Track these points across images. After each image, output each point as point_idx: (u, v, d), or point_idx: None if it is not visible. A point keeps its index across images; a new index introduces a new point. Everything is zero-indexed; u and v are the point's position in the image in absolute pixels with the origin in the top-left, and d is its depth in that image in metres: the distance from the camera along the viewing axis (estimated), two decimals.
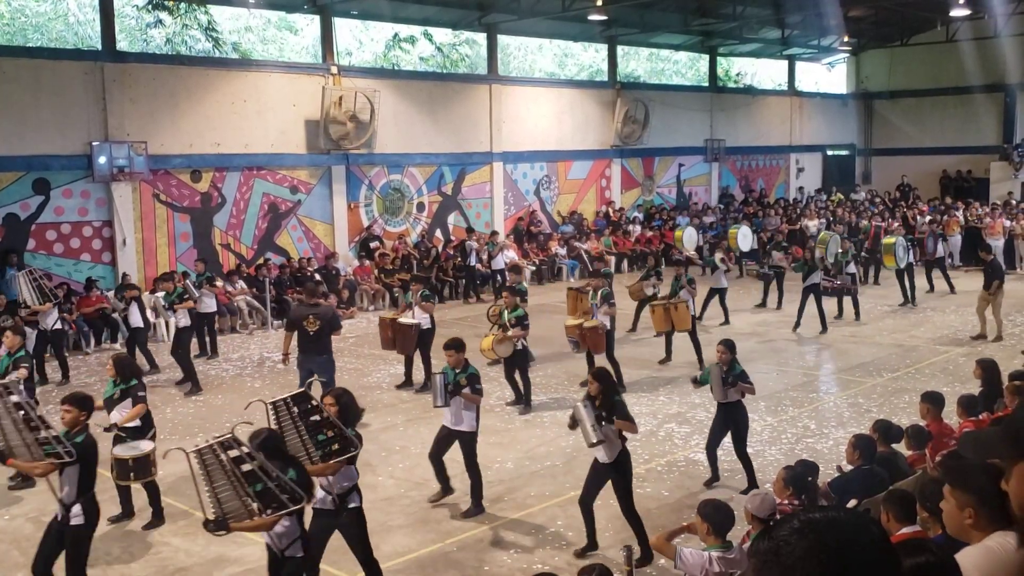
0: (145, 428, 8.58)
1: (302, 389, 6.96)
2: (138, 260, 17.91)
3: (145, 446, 8.22)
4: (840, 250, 18.52)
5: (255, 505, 5.77)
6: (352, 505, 6.79)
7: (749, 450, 9.20)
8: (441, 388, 8.57)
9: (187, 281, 14.80)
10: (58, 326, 14.08)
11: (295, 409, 6.53)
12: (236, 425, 6.40)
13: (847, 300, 17.57)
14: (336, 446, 6.58)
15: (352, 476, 6.82)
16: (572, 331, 13.07)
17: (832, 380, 13.73)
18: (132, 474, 8.11)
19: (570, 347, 13.44)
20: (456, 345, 8.92)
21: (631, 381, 13.17)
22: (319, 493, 6.58)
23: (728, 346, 9.09)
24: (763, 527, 5.53)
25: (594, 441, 7.34)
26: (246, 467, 5.82)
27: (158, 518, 8.60)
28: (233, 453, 5.81)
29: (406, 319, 12.92)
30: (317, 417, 6.57)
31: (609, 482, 7.69)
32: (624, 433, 7.60)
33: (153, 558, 7.87)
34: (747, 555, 5.17)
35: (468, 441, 8.67)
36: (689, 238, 22.18)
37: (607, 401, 7.55)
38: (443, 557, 7.79)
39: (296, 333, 11.23)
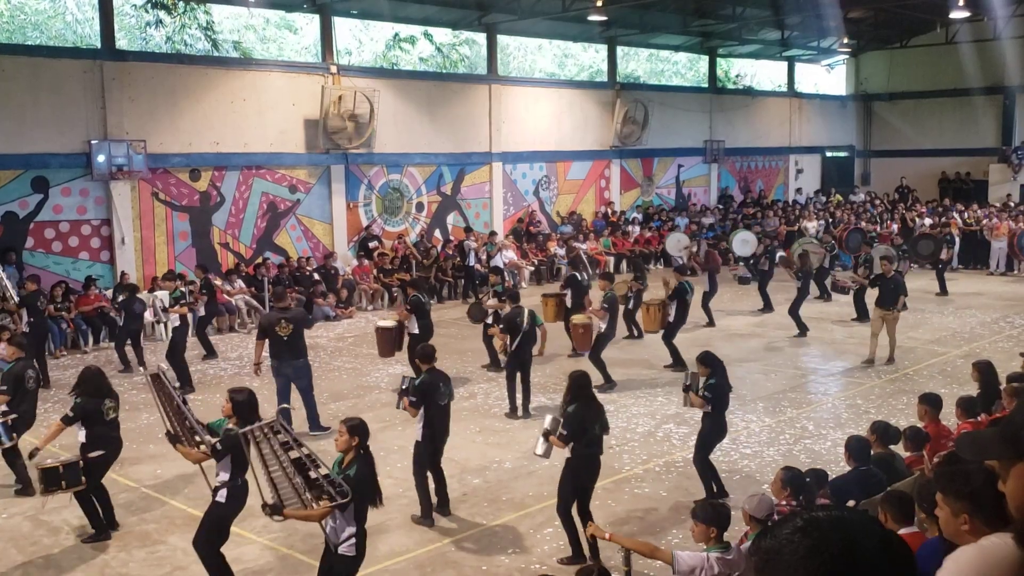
0: (91, 447, 7.97)
1: (280, 408, 6.98)
2: (137, 259, 17.88)
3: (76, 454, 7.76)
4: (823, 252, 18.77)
5: (308, 495, 5.69)
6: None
7: (747, 451, 9.20)
8: (399, 392, 8.54)
9: (187, 288, 14.75)
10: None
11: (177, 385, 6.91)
12: (280, 409, 6.36)
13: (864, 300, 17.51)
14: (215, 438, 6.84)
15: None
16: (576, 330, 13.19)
17: (830, 381, 13.72)
18: (63, 482, 7.62)
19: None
20: (424, 354, 8.88)
21: (629, 380, 13.17)
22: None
23: (703, 361, 8.67)
24: (761, 527, 5.53)
25: (539, 453, 7.78)
26: (293, 454, 5.73)
27: (101, 532, 8.07)
28: (281, 438, 5.74)
29: (385, 322, 12.96)
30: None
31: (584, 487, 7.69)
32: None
33: (151, 557, 7.85)
34: (748, 554, 5.17)
35: (415, 448, 8.55)
36: (673, 243, 21.47)
37: (565, 405, 7.71)
38: (441, 557, 7.78)
39: (269, 340, 10.80)
